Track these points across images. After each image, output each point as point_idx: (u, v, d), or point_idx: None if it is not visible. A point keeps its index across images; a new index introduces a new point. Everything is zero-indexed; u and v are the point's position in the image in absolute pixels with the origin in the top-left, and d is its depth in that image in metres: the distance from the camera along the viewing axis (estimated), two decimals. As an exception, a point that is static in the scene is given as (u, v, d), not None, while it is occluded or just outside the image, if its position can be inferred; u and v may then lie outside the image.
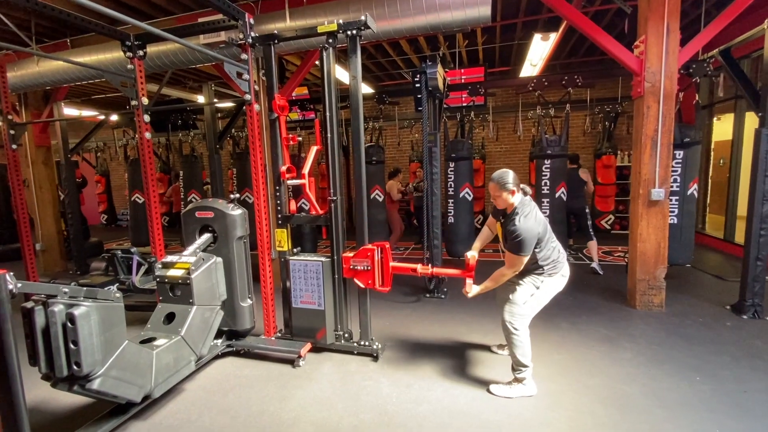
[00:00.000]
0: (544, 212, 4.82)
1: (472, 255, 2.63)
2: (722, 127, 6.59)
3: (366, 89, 7.18)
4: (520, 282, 2.46)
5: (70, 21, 2.93)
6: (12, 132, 3.89)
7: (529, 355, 2.41)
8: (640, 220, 3.70)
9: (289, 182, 2.92)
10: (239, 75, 2.88)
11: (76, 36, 5.07)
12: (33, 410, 2.45)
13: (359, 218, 2.89)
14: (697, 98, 4.61)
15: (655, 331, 3.32)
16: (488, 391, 2.50)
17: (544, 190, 4.86)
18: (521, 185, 2.43)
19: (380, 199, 5.46)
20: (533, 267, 2.44)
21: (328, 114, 2.82)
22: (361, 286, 2.88)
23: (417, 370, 2.82)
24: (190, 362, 2.57)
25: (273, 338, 3.24)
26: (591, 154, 7.82)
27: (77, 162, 7.93)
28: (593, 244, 5.08)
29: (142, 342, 2.42)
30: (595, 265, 5.03)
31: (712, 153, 6.77)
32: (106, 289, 2.04)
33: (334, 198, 2.90)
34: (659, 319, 3.54)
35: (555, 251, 2.42)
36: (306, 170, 2.87)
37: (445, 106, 6.58)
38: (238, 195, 2.95)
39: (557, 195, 4.81)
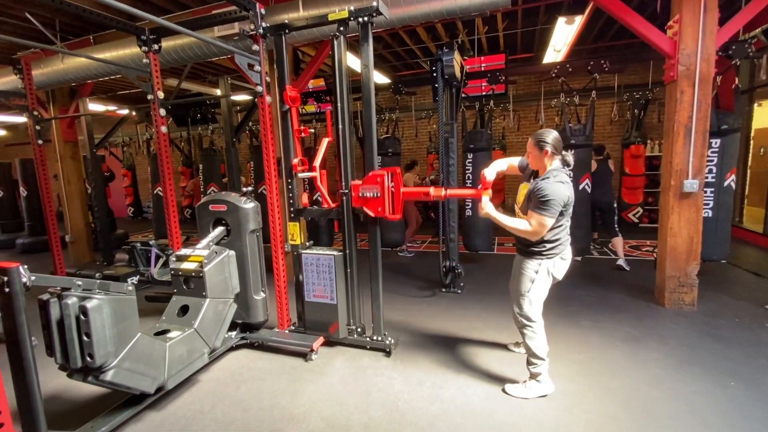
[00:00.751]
0: (567, 205, 4.63)
1: (489, 172, 2.37)
2: (764, 114, 6.14)
3: (382, 79, 7.07)
4: (521, 271, 2.32)
5: (86, 16, 2.96)
6: (38, 128, 4.01)
7: (545, 348, 2.30)
8: (670, 213, 3.48)
9: (301, 175, 2.88)
10: (251, 67, 2.85)
11: (98, 33, 5.17)
12: (53, 399, 2.54)
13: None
14: (736, 82, 4.28)
15: (686, 331, 3.13)
16: (503, 390, 2.41)
17: (566, 181, 4.65)
18: (564, 153, 2.21)
19: (396, 192, 5.37)
20: (533, 248, 2.26)
21: (339, 105, 2.75)
22: (371, 214, 2.75)
23: (430, 367, 2.76)
24: (203, 354, 2.60)
25: (287, 331, 3.24)
26: (618, 143, 7.47)
27: (104, 156, 8.18)
28: (619, 240, 4.85)
29: (157, 334, 2.46)
30: (621, 261, 4.81)
31: (751, 141, 6.34)
32: (127, 281, 2.05)
33: (346, 191, 2.85)
34: (690, 319, 3.34)
35: (564, 231, 2.25)
36: (317, 163, 2.82)
37: (463, 95, 6.42)
38: (251, 188, 2.94)
39: (581, 187, 4.59)
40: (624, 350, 2.87)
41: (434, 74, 3.59)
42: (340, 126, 2.76)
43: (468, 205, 5.14)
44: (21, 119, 9.05)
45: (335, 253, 2.94)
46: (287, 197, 3.03)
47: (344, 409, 2.35)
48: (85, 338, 1.89)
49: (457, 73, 3.55)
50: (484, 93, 6.31)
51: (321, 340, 3.02)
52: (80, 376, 1.98)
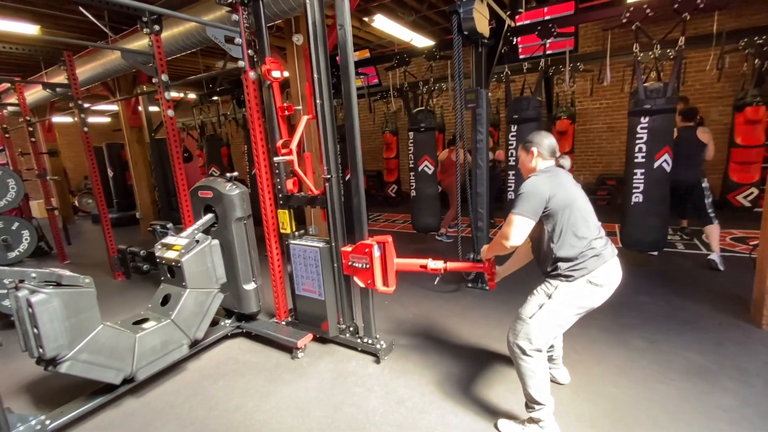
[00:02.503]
0: (635, 189, 3.69)
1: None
2: None
3: (424, 42, 6.39)
4: (533, 291, 1.81)
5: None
6: (83, 116, 4.31)
7: (545, 390, 1.77)
8: (780, 203, 2.51)
9: (276, 159, 2.59)
10: (229, 40, 2.59)
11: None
12: (34, 384, 2.63)
13: (357, 206, 2.45)
14: None
15: (786, 368, 2.26)
16: (495, 427, 1.94)
17: (637, 158, 3.68)
18: (558, 155, 1.87)
19: (429, 172, 4.84)
20: (547, 266, 1.79)
21: (316, 76, 2.37)
22: (362, 285, 2.49)
23: (419, 382, 2.37)
24: (182, 346, 2.54)
25: (283, 323, 3.09)
26: (729, 105, 5.86)
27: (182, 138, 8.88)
28: (714, 229, 3.77)
29: (136, 323, 2.45)
30: (714, 256, 3.76)
31: None
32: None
33: (329, 176, 2.50)
34: (798, 350, 2.42)
35: (583, 243, 1.70)
36: (294, 144, 2.50)
37: (525, 55, 5.47)
38: (236, 173, 2.74)
39: (656, 165, 3.61)
40: (681, 388, 2.16)
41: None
42: (318, 101, 2.39)
43: (510, 188, 4.43)
44: (116, 108, 10.19)
45: (320, 245, 2.65)
46: (275, 183, 2.79)
47: (307, 421, 2.10)
48: (35, 330, 1.88)
49: (481, 29, 2.89)
50: (547, 52, 5.31)
51: (309, 337, 2.80)
52: (43, 364, 2.01)
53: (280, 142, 2.66)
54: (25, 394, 2.52)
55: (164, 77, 3.31)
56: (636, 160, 3.71)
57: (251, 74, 2.69)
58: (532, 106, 4.13)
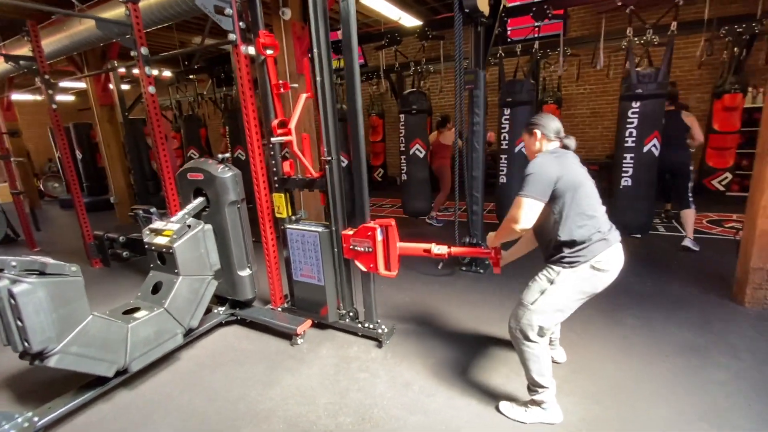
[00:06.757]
0: (624, 173, 3.77)
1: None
2: None
3: (413, 21, 6.25)
4: (535, 277, 1.81)
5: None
6: (50, 92, 3.99)
7: (548, 374, 1.79)
8: (767, 187, 2.61)
9: (274, 139, 2.47)
10: (218, 11, 2.41)
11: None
12: (16, 379, 2.46)
13: (359, 189, 2.37)
14: None
15: (770, 342, 2.39)
16: (497, 409, 1.96)
17: (627, 142, 3.75)
18: (564, 136, 1.83)
19: (421, 155, 4.79)
20: (551, 250, 1.76)
21: (316, 51, 2.24)
22: (363, 269, 2.44)
23: (424, 366, 2.37)
24: (176, 335, 2.44)
25: (279, 309, 3.01)
26: (708, 92, 6.04)
27: (144, 120, 8.40)
28: (690, 214, 3.91)
29: (126, 312, 2.32)
30: (687, 241, 3.91)
31: None
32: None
33: (329, 158, 2.41)
34: (779, 325, 2.56)
35: (589, 227, 1.68)
36: (293, 124, 2.38)
37: (517, 37, 5.42)
38: (228, 155, 2.60)
39: (646, 149, 3.69)
40: (676, 364, 2.24)
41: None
42: (318, 78, 2.27)
43: (503, 171, 4.44)
44: (82, 85, 9.52)
45: (320, 229, 2.57)
46: (270, 164, 2.67)
47: (313, 409, 2.07)
48: (18, 323, 1.74)
49: (482, 6, 2.81)
50: (536, 35, 5.28)
51: (309, 323, 2.74)
52: (28, 358, 1.87)
53: (275, 122, 2.53)
54: (6, 391, 2.36)
55: (144, 51, 3.08)
56: (626, 145, 3.78)
57: (243, 48, 2.53)
58: (526, 89, 4.12)
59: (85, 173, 8.25)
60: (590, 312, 2.80)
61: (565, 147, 1.82)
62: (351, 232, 2.41)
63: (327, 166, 2.42)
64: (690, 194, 3.88)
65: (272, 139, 2.48)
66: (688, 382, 2.09)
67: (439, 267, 2.78)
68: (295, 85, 2.62)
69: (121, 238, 4.17)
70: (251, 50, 2.52)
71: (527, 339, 1.75)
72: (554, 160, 1.71)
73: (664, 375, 2.16)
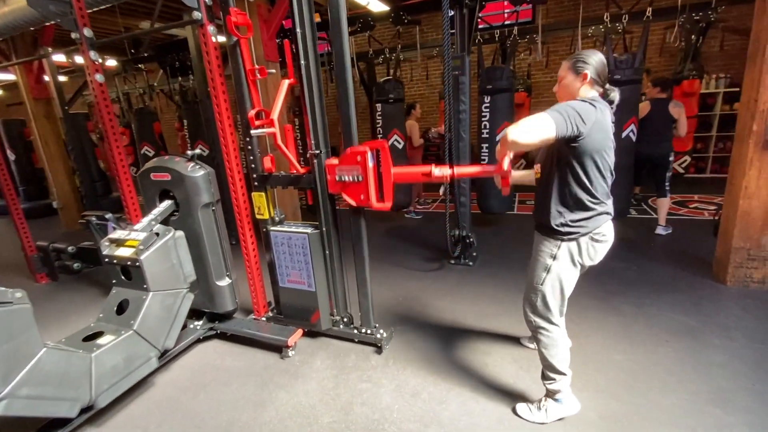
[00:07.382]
0: (605, 158, 3.80)
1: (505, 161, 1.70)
2: None
3: (381, 7, 6.00)
4: (535, 256, 1.71)
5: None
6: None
7: (565, 360, 1.72)
8: (748, 168, 2.68)
9: (254, 132, 2.20)
10: (180, -17, 2.08)
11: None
12: None
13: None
14: None
15: (758, 320, 2.46)
16: (513, 411, 1.87)
17: (606, 128, 3.78)
18: (607, 85, 1.60)
19: (399, 146, 4.62)
20: (551, 218, 1.60)
21: (299, 31, 2.00)
22: (352, 203, 2.16)
23: (429, 369, 2.23)
24: (149, 359, 2.14)
25: (263, 319, 2.76)
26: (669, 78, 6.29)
27: (88, 114, 7.61)
28: (665, 203, 4.02)
29: (87, 338, 1.99)
30: (660, 229, 4.03)
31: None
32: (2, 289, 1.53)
33: (317, 152, 2.18)
34: (762, 302, 2.65)
35: (597, 198, 1.56)
36: (275, 114, 2.12)
37: (484, 25, 5.34)
38: (199, 151, 2.30)
39: (624, 135, 3.73)
40: (677, 349, 2.25)
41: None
42: (303, 62, 2.02)
43: (484, 160, 4.37)
44: (11, 77, 8.44)
45: (309, 230, 2.34)
46: (248, 161, 2.40)
47: (316, 429, 1.87)
48: (-51, 368, 1.41)
49: (468, -14, 2.67)
50: (506, 22, 5.24)
51: (299, 332, 2.52)
52: (-33, 407, 1.54)
53: (252, 112, 2.26)
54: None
55: (88, 32, 2.67)
56: (605, 131, 3.80)
57: (210, 29, 2.22)
58: (506, 76, 4.04)
59: (20, 176, 7.35)
60: (586, 300, 2.78)
61: (608, 99, 1.59)
62: (336, 161, 2.12)
63: (315, 161, 2.19)
64: (667, 184, 3.98)
65: (252, 132, 2.20)
66: (692, 367, 2.09)
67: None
68: (273, 71, 2.34)
69: (70, 248, 3.69)
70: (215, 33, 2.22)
71: (548, 322, 1.68)
72: (595, 110, 1.44)
73: (669, 361, 2.15)
